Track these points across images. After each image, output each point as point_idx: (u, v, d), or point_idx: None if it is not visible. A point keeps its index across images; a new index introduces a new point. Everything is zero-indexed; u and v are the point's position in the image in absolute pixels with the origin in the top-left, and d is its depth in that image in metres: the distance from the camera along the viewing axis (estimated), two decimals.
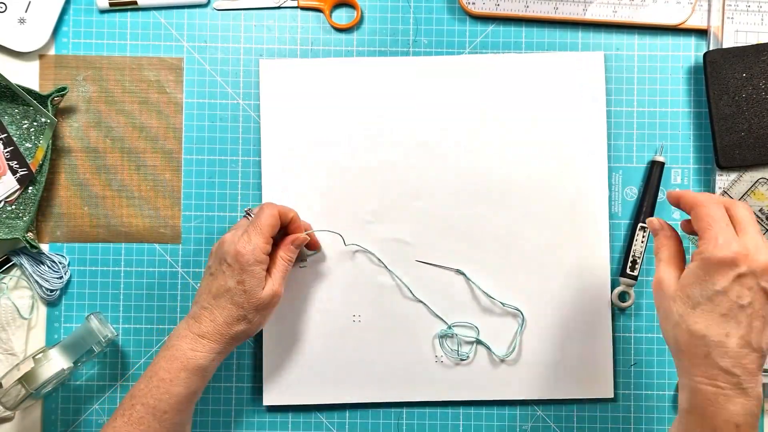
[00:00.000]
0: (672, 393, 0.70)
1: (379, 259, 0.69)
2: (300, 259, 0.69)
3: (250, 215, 0.64)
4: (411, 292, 0.69)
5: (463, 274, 0.69)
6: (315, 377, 0.69)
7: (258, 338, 0.70)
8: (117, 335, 0.70)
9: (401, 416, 0.70)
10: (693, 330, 0.51)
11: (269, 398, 0.69)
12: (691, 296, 0.51)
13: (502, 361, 0.68)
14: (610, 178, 0.70)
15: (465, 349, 0.69)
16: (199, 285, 0.64)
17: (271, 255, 0.63)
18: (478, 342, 0.68)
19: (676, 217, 0.71)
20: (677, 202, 0.56)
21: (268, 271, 0.63)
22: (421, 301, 0.67)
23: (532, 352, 0.69)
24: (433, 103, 0.70)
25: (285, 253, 0.64)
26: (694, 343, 0.51)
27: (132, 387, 0.61)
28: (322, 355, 0.69)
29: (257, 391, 0.70)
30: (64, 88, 0.68)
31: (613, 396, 0.69)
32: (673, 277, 0.54)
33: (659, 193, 0.70)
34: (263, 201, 0.69)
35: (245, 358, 0.70)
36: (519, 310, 0.68)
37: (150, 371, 0.60)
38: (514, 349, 0.68)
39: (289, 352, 0.69)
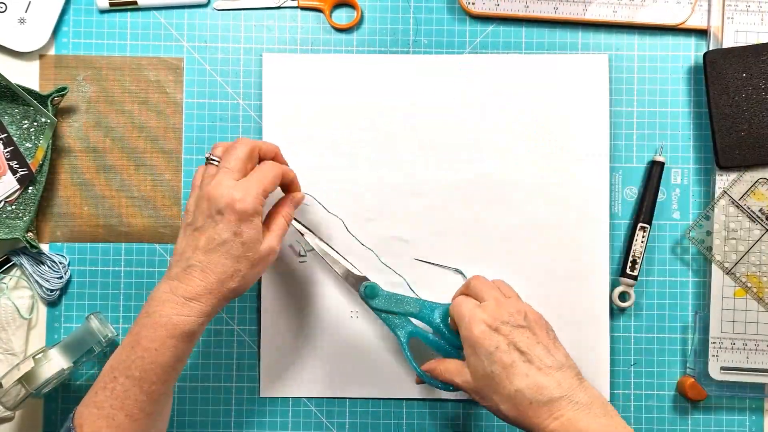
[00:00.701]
0: (672, 393, 0.70)
1: (377, 256, 0.69)
2: (299, 254, 0.69)
3: (213, 161, 0.59)
4: (410, 287, 0.69)
5: (461, 273, 0.69)
6: (312, 371, 0.69)
7: (256, 332, 0.70)
8: (117, 335, 0.70)
9: (401, 413, 0.70)
10: (508, 395, 0.54)
11: (266, 390, 0.69)
12: (484, 374, 0.56)
13: None
14: (610, 178, 0.70)
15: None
16: (176, 244, 0.58)
17: (270, 212, 0.61)
18: None
19: (676, 217, 0.71)
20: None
21: (266, 225, 0.59)
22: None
23: None
24: (435, 101, 0.70)
25: (285, 209, 0.61)
26: (519, 400, 0.54)
27: (110, 358, 0.56)
28: (320, 351, 0.69)
29: (255, 387, 0.70)
30: (64, 88, 0.68)
31: (608, 398, 0.69)
32: (467, 374, 0.58)
33: (659, 193, 0.70)
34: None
35: (244, 349, 0.70)
36: None
37: (131, 340, 0.55)
38: None
39: (287, 347, 0.69)
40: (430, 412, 0.70)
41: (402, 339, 0.65)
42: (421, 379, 0.64)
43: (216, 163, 0.59)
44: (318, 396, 0.70)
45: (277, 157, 0.62)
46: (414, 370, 0.65)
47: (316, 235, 0.67)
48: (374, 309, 0.65)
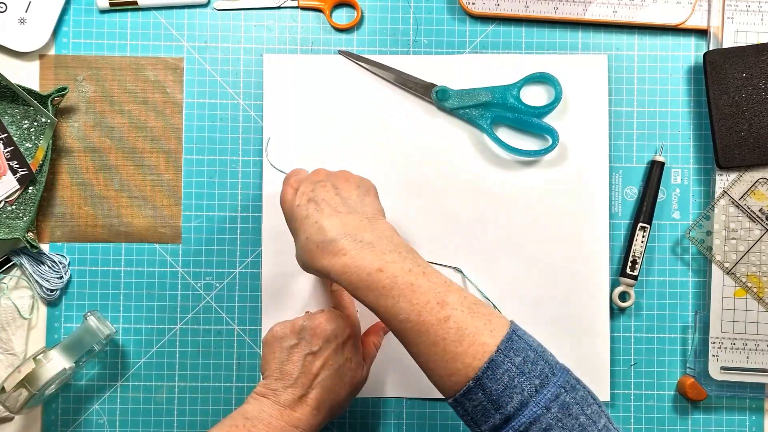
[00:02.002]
0: (672, 393, 0.70)
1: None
2: None
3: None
4: None
5: (460, 272, 0.69)
6: None
7: (257, 332, 0.70)
8: (116, 332, 0.70)
9: (401, 414, 0.70)
10: (302, 245, 0.56)
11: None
12: (292, 233, 0.59)
13: None
14: (610, 178, 0.70)
15: None
16: (284, 364, 0.59)
17: (362, 341, 0.64)
18: None
19: (676, 217, 0.71)
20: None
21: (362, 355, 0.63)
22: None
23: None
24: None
25: (376, 339, 0.65)
26: (309, 247, 0.55)
27: None
28: None
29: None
30: (64, 88, 0.68)
31: (609, 398, 0.69)
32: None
33: (659, 193, 0.70)
34: (263, 201, 0.69)
35: (244, 349, 0.70)
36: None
37: None
38: None
39: None
40: (430, 412, 0.70)
41: (486, 127, 0.68)
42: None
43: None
44: None
45: None
46: (505, 148, 0.69)
47: None
48: (451, 109, 0.68)
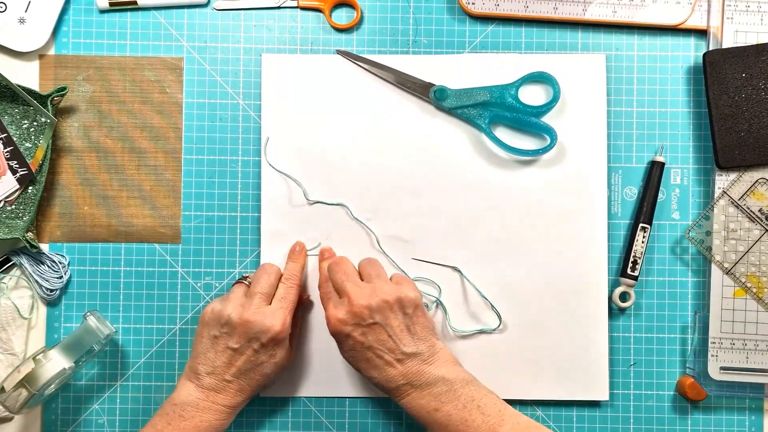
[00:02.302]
0: (672, 393, 0.70)
1: (381, 249, 0.69)
2: None
3: (245, 282, 0.66)
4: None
5: (459, 271, 0.69)
6: (311, 370, 0.69)
7: None
8: (116, 332, 0.70)
9: (401, 413, 0.70)
10: (367, 377, 0.63)
11: (265, 390, 0.69)
12: (344, 355, 0.64)
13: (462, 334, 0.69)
14: (610, 178, 0.71)
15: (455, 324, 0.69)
16: (199, 348, 0.63)
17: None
18: (439, 303, 0.69)
19: (676, 217, 0.71)
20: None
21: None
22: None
23: (531, 351, 0.69)
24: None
25: (296, 299, 0.67)
26: (375, 382, 0.63)
27: None
28: (319, 348, 0.69)
29: None
30: (64, 88, 0.68)
31: (608, 398, 0.69)
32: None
33: (659, 193, 0.70)
34: (262, 201, 0.69)
35: None
36: (499, 316, 0.69)
37: None
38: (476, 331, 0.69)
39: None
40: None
41: (484, 127, 0.68)
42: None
43: (246, 283, 0.66)
44: (319, 396, 0.70)
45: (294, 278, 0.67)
46: (503, 148, 0.69)
47: None
48: (449, 109, 0.68)
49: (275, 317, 0.62)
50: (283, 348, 0.64)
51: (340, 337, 0.62)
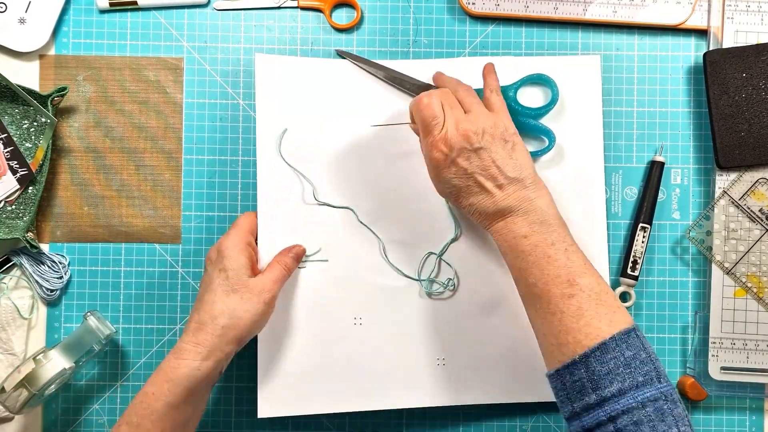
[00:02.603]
0: None
1: (385, 254, 0.69)
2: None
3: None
4: (384, 252, 0.69)
5: (447, 264, 0.69)
6: (313, 384, 0.67)
7: (253, 344, 0.69)
8: (116, 332, 0.70)
9: (401, 412, 0.70)
10: (462, 205, 0.61)
11: (264, 410, 0.67)
12: (442, 183, 0.61)
13: (432, 294, 0.68)
14: (610, 178, 0.70)
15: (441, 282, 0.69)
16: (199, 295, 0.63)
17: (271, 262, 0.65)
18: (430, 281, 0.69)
19: (676, 217, 0.71)
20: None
21: (263, 270, 0.64)
22: (429, 292, 0.67)
23: (531, 353, 0.68)
24: None
25: (281, 257, 0.65)
26: (471, 209, 0.61)
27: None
28: (322, 360, 0.67)
29: (252, 401, 0.68)
30: (64, 88, 0.68)
31: None
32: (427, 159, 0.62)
33: (659, 193, 0.70)
34: (258, 198, 0.69)
35: (244, 348, 0.70)
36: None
37: (140, 390, 0.59)
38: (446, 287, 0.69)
39: (286, 358, 0.67)
40: (430, 412, 0.70)
41: None
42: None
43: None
44: (323, 413, 0.68)
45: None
46: None
47: None
48: None
49: (222, 237, 0.64)
50: (231, 260, 0.61)
51: (441, 165, 0.59)
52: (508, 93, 0.68)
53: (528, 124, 0.68)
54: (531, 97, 0.70)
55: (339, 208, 0.69)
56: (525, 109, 0.68)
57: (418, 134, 0.63)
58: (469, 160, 0.59)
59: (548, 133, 0.68)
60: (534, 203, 0.59)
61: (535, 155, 0.68)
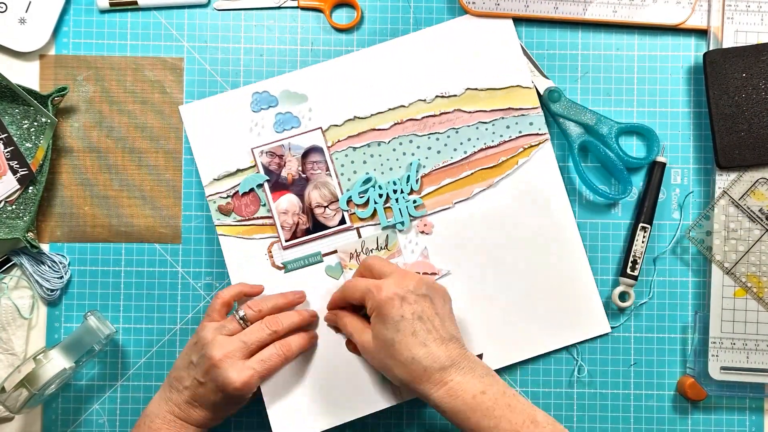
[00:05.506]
0: (672, 393, 0.70)
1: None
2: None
3: (239, 316, 0.64)
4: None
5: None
6: (322, 395, 0.67)
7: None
8: (116, 332, 0.70)
9: (401, 412, 0.70)
10: (404, 361, 0.58)
11: (279, 429, 0.66)
12: (386, 339, 0.58)
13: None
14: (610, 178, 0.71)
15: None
16: (182, 370, 0.63)
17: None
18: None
19: (676, 217, 0.71)
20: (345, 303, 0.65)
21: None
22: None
23: (526, 313, 0.68)
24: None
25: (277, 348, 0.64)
26: (414, 367, 0.57)
27: None
28: (327, 370, 0.67)
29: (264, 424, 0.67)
30: (64, 88, 0.68)
31: (609, 330, 0.69)
32: (368, 336, 0.61)
33: (659, 193, 0.70)
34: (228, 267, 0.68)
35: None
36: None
37: None
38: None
39: (292, 370, 0.67)
40: (429, 412, 0.70)
41: (574, 145, 0.69)
42: None
43: (239, 318, 0.64)
44: (332, 426, 0.67)
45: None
46: (582, 179, 0.69)
47: None
48: (554, 114, 0.69)
49: (242, 374, 0.60)
50: (235, 403, 0.63)
51: (391, 304, 0.58)
52: (613, 128, 0.69)
53: (616, 167, 0.68)
54: (624, 142, 0.71)
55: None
56: (623, 153, 0.69)
57: (350, 336, 0.63)
58: (417, 303, 0.59)
59: (629, 184, 0.68)
60: (474, 359, 0.59)
61: (611, 198, 0.69)
